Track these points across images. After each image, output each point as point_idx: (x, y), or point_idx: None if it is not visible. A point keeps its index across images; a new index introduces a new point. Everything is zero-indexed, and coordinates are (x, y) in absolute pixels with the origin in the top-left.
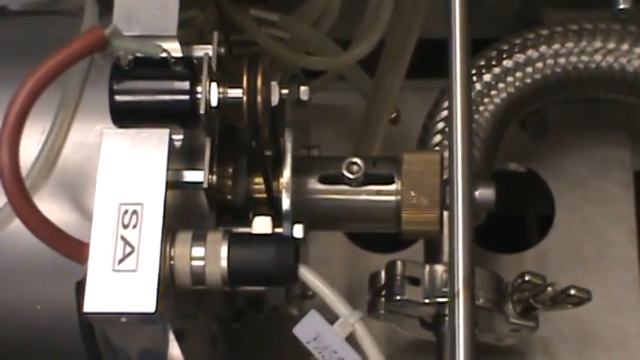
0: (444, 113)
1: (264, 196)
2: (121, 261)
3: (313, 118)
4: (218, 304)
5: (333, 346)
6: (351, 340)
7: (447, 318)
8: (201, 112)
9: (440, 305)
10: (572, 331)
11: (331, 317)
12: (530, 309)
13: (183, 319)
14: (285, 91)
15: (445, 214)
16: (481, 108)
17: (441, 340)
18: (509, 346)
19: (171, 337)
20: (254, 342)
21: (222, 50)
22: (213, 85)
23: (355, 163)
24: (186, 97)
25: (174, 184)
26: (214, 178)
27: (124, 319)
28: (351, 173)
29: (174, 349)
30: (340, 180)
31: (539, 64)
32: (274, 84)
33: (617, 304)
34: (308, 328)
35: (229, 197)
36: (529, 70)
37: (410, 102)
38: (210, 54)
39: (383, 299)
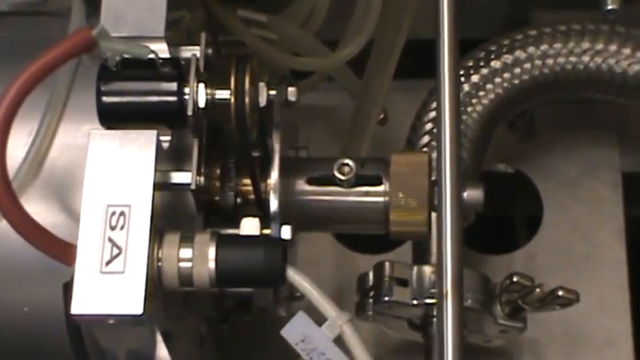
0: (432, 114)
1: (253, 197)
2: (108, 263)
3: (301, 119)
4: (206, 306)
5: (321, 347)
6: (339, 341)
7: (435, 319)
8: (189, 113)
9: (428, 306)
10: (561, 332)
11: (319, 319)
12: (519, 310)
13: (171, 320)
14: (273, 92)
15: (433, 215)
16: (469, 109)
17: (430, 342)
18: (497, 347)
19: (159, 338)
20: (242, 343)
21: (210, 51)
22: (201, 86)
23: (347, 165)
24: (174, 98)
25: (161, 186)
26: (202, 179)
27: (111, 321)
28: (343, 174)
29: (162, 350)
30: (328, 181)
31: (528, 65)
32: (262, 85)
33: (606, 305)
34: (296, 330)
35: (217, 198)
36: (517, 70)
37: (398, 103)
38: (198, 55)
39: (371, 300)
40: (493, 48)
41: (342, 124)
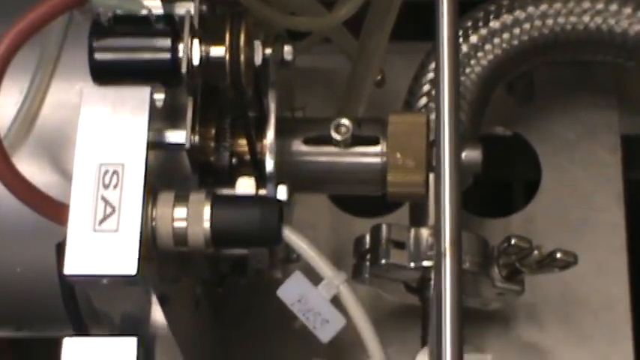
0: (430, 75)
1: (248, 157)
2: (101, 221)
3: (298, 82)
4: (201, 268)
5: (317, 307)
6: (336, 302)
7: (432, 282)
8: (183, 70)
9: (425, 269)
10: (558, 295)
11: (316, 281)
12: (516, 273)
13: (166, 282)
14: (268, 51)
15: (431, 176)
16: (468, 70)
17: (427, 305)
18: (494, 310)
19: (154, 301)
20: (238, 306)
21: (205, 8)
22: (195, 42)
23: (343, 125)
24: (168, 54)
25: (155, 145)
26: (196, 138)
27: (105, 282)
28: (339, 134)
29: (157, 312)
30: (325, 141)
31: (527, 26)
32: (257, 43)
33: (604, 269)
34: (292, 290)
35: (212, 159)
36: (516, 31)
37: (396, 65)
38: (192, 11)
39: (368, 263)
40: (492, 8)
41: (340, 87)
